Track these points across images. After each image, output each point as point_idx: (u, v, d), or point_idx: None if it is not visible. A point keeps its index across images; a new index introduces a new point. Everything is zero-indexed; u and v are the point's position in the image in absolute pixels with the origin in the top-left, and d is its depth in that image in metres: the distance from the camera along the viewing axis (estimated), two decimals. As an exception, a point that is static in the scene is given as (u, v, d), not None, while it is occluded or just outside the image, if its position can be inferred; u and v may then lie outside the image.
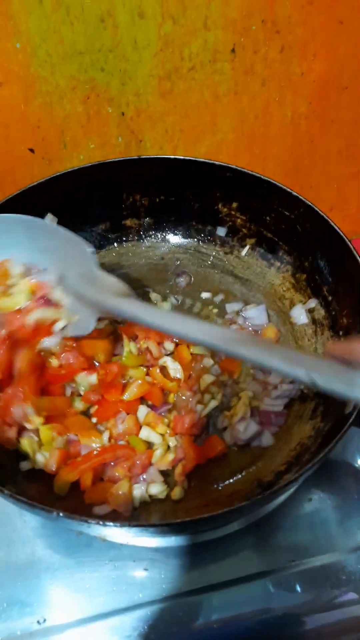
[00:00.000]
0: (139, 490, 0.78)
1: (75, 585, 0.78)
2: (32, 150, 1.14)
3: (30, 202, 0.96)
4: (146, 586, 0.78)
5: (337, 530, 0.82)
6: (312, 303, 0.95)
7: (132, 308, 0.69)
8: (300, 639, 0.77)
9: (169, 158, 1.01)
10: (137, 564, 0.80)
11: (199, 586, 0.78)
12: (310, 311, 0.95)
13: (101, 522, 0.60)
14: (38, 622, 0.76)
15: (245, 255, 1.06)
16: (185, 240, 1.11)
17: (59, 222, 1.05)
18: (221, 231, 1.08)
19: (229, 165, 0.98)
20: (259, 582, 0.78)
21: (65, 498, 0.76)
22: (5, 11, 0.92)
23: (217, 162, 0.99)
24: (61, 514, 0.61)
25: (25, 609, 0.77)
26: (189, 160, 0.99)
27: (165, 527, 0.63)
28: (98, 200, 1.06)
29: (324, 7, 1.00)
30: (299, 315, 0.96)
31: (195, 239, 1.11)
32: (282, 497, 0.83)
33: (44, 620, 0.76)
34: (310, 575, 0.79)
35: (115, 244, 1.11)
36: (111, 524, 0.60)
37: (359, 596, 0.78)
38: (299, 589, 0.78)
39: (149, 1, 0.95)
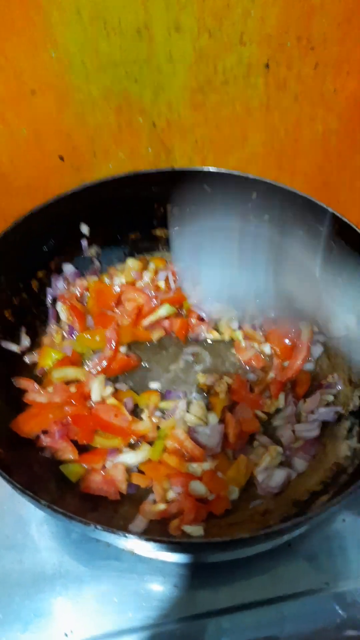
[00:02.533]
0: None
1: (103, 599, 0.79)
2: (61, 158, 1.16)
3: (63, 210, 0.99)
4: (175, 603, 0.79)
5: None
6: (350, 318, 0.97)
7: None
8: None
9: (202, 170, 1.03)
10: (166, 579, 0.80)
11: (229, 605, 0.78)
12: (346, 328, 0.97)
13: (143, 537, 0.61)
14: (65, 634, 0.76)
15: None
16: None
17: (91, 231, 1.08)
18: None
19: (262, 179, 1.00)
20: (291, 603, 0.78)
21: (98, 509, 0.77)
22: (43, 22, 0.95)
23: (250, 175, 1.02)
24: (99, 527, 0.62)
25: (52, 621, 0.78)
26: (223, 172, 1.01)
27: (200, 546, 0.64)
28: (129, 210, 1.08)
29: None
30: (338, 327, 0.97)
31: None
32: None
33: (72, 632, 0.77)
34: (344, 600, 0.79)
35: (145, 253, 1.12)
36: (142, 537, 0.61)
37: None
38: (332, 612, 0.78)
39: (186, 15, 0.98)
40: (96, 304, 1.00)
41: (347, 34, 1.04)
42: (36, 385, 0.89)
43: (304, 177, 1.25)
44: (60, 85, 1.05)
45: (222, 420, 0.88)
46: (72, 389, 0.89)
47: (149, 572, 0.81)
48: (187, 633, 0.76)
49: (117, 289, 1.02)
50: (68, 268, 1.06)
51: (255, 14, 0.99)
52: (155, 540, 0.62)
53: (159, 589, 0.80)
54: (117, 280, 1.04)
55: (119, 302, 1.02)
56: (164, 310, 0.99)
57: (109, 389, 0.90)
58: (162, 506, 0.77)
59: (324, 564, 0.80)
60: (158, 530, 0.75)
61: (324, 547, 0.82)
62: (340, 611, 0.77)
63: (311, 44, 1.05)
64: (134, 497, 0.82)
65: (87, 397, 0.89)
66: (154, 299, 1.01)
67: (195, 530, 0.74)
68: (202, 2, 0.96)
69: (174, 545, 0.62)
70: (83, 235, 1.07)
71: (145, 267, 1.08)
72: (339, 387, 0.91)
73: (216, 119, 1.15)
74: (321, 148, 1.22)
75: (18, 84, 1.03)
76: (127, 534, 0.62)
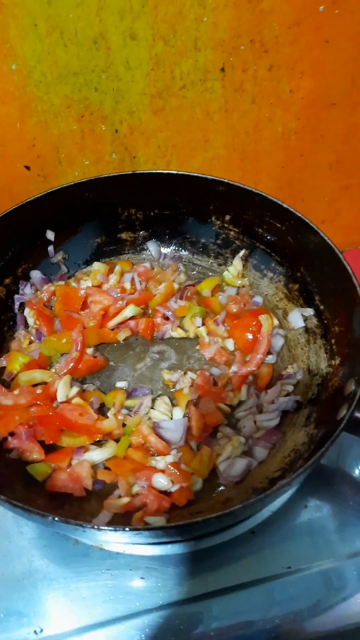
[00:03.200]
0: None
1: (72, 595, 0.81)
2: (27, 168, 1.19)
3: (27, 216, 1.01)
4: (143, 595, 0.80)
5: (334, 537, 0.85)
6: (308, 311, 0.99)
7: None
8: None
9: (163, 173, 1.06)
10: (133, 572, 0.82)
11: (196, 594, 0.80)
12: (304, 320, 1.00)
13: (96, 527, 0.63)
14: (35, 632, 0.78)
15: (239, 266, 1.11)
16: (179, 252, 1.16)
17: (56, 236, 1.10)
18: (214, 243, 1.13)
19: (222, 180, 1.03)
20: (255, 589, 0.80)
21: (64, 507, 0.79)
22: (1, 35, 0.98)
23: (210, 177, 1.05)
24: (56, 519, 0.64)
25: (23, 619, 0.79)
26: (183, 174, 1.04)
27: (160, 531, 0.66)
28: (94, 214, 1.11)
29: (310, 28, 1.07)
30: (296, 319, 1.00)
31: (189, 251, 1.16)
32: (278, 504, 0.86)
33: (41, 631, 0.78)
34: (307, 582, 0.81)
35: (111, 257, 1.15)
36: (106, 528, 0.63)
37: (357, 604, 0.80)
38: (295, 595, 0.80)
39: (140, 24, 1.02)
40: (63, 308, 1.02)
41: (298, 36, 1.08)
42: (3, 389, 0.91)
43: (267, 177, 1.29)
44: (22, 96, 1.08)
45: (186, 415, 0.90)
46: (39, 390, 0.91)
47: (117, 566, 0.83)
48: (155, 624, 0.78)
49: (83, 292, 1.04)
50: (35, 274, 1.08)
51: (207, 20, 1.03)
52: (113, 529, 0.64)
53: (127, 582, 0.81)
54: (84, 284, 1.07)
55: (85, 305, 1.04)
56: (130, 311, 1.02)
57: (75, 389, 0.92)
58: (125, 499, 0.79)
59: (286, 549, 0.82)
60: (121, 523, 0.77)
61: (287, 534, 0.84)
62: (303, 594, 0.79)
63: (264, 47, 1.09)
64: (100, 493, 0.84)
65: (54, 398, 0.91)
66: (120, 301, 1.04)
67: (157, 521, 0.75)
68: (155, 10, 1.00)
69: (130, 532, 0.63)
70: (49, 241, 1.09)
71: (111, 270, 1.10)
72: (299, 377, 0.93)
73: (177, 123, 1.18)
74: (282, 148, 1.25)
75: (-21, 96, 1.06)
76: (83, 524, 0.64)
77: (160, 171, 1.08)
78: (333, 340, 0.92)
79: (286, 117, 1.21)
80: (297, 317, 0.99)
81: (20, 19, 0.97)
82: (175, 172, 1.07)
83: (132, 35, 1.03)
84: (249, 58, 1.10)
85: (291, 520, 0.85)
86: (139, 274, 1.09)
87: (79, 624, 0.78)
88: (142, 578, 0.81)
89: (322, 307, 0.97)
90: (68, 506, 0.80)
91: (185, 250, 1.16)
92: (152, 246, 1.15)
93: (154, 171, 1.09)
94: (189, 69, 1.10)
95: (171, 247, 1.17)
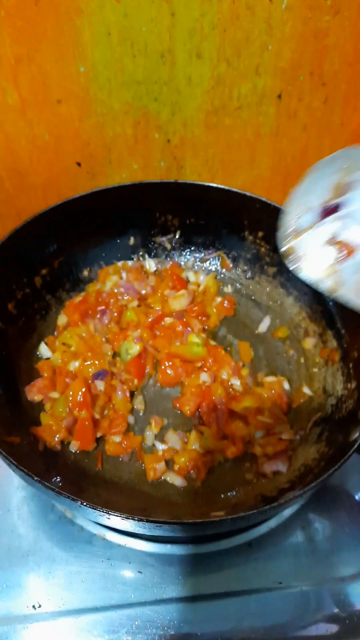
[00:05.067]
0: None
1: (71, 578, 0.86)
2: (79, 164, 1.25)
3: (68, 212, 1.07)
4: (138, 588, 0.85)
5: (327, 560, 0.89)
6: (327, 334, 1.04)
7: None
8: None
9: (202, 185, 1.12)
10: (132, 565, 0.87)
11: (188, 595, 0.84)
12: (324, 342, 1.04)
13: (122, 515, 0.68)
14: (33, 606, 0.83)
15: (266, 282, 1.15)
16: (210, 261, 1.21)
17: (92, 232, 1.15)
18: (245, 257, 1.18)
19: (259, 197, 1.08)
20: (245, 599, 0.85)
21: (81, 492, 0.84)
22: (75, 39, 1.04)
23: (247, 193, 1.09)
24: (85, 504, 0.69)
25: (23, 593, 0.84)
26: (221, 188, 1.09)
27: (175, 526, 0.70)
28: (133, 217, 1.16)
29: (369, 67, 1.11)
30: (312, 343, 1.05)
31: (219, 262, 1.21)
32: (276, 521, 0.90)
33: (39, 606, 0.83)
34: (295, 600, 0.85)
35: (143, 258, 1.20)
36: (130, 516, 0.68)
37: (338, 627, 0.84)
38: (282, 611, 0.84)
39: (207, 44, 1.07)
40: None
41: (357, 73, 1.12)
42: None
43: (307, 203, 1.33)
44: (84, 97, 1.14)
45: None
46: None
47: (117, 557, 0.88)
48: (146, 616, 0.82)
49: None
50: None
51: (272, 49, 1.08)
52: (134, 519, 0.68)
53: (125, 573, 0.86)
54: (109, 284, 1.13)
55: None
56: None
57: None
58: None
59: (279, 565, 0.87)
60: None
61: (281, 550, 0.88)
62: (290, 610, 0.83)
63: (322, 80, 1.13)
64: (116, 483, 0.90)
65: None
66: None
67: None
68: (223, 33, 1.05)
69: (150, 522, 0.68)
70: (89, 238, 1.15)
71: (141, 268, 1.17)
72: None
73: (227, 140, 1.23)
74: (325, 177, 1.29)
75: (45, 92, 1.12)
76: (110, 512, 0.69)
77: (200, 182, 1.13)
78: (351, 364, 0.97)
79: (334, 147, 1.24)
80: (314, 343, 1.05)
81: (95, 26, 1.03)
82: (214, 185, 1.12)
83: (198, 54, 1.08)
84: (306, 88, 1.15)
85: (287, 538, 0.90)
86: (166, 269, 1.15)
87: (74, 606, 0.84)
88: (139, 572, 0.86)
89: (343, 330, 1.02)
90: (85, 493, 0.86)
91: (215, 260, 1.21)
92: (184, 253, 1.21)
93: (195, 182, 1.14)
94: (247, 91, 1.15)
95: (201, 255, 1.21)
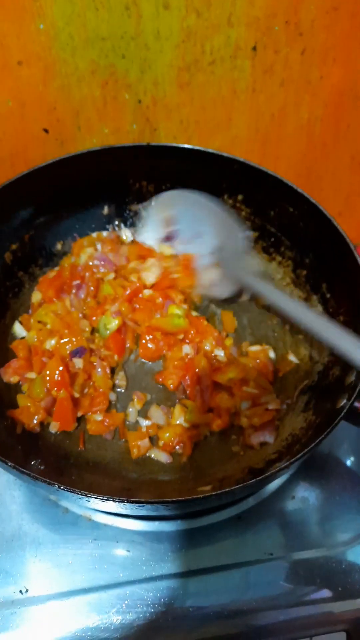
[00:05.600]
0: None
1: (58, 560, 0.84)
2: (46, 131, 1.18)
3: (40, 181, 1.02)
4: (127, 567, 0.84)
5: (318, 530, 0.88)
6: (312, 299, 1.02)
7: (264, 289, 0.86)
8: (272, 630, 0.83)
9: (178, 147, 1.06)
10: (120, 544, 0.86)
11: (178, 571, 0.83)
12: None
13: (102, 497, 0.65)
14: (20, 591, 0.82)
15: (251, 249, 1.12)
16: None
17: (63, 203, 1.10)
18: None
19: (237, 158, 1.03)
20: (236, 572, 0.84)
21: (63, 474, 0.82)
22: (31, -8, 0.97)
23: (225, 154, 1.04)
24: (62, 487, 0.67)
25: (9, 578, 0.83)
26: (198, 150, 1.04)
27: (160, 505, 0.68)
28: (105, 184, 1.11)
29: (348, 14, 1.05)
30: None
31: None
32: (266, 492, 0.89)
33: (26, 591, 0.82)
34: (286, 570, 0.85)
35: (118, 228, 1.15)
36: (110, 498, 0.66)
37: (332, 593, 0.84)
38: (274, 582, 0.83)
39: (174, -7, 1.00)
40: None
41: (334, 22, 1.06)
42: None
43: (287, 163, 1.28)
44: (47, 57, 1.07)
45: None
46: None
47: (104, 537, 0.86)
48: (136, 595, 0.81)
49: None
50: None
51: (244, -4, 1.01)
52: (114, 500, 0.66)
53: (113, 553, 0.85)
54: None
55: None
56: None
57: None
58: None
59: (269, 536, 0.86)
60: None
61: (271, 521, 0.87)
62: (282, 581, 0.82)
63: (299, 30, 1.07)
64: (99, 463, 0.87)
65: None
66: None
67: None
68: (190, -20, 0.98)
69: (132, 503, 0.66)
70: (59, 208, 1.09)
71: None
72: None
73: (202, 99, 1.17)
74: (306, 135, 1.24)
75: (4, 54, 1.05)
76: (89, 494, 0.66)
77: (176, 145, 1.08)
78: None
79: (314, 104, 1.19)
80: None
81: (52, -23, 0.95)
82: (191, 146, 1.07)
83: (165, 4, 1.01)
84: (282, 39, 1.08)
85: (277, 509, 0.89)
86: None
87: (63, 588, 0.82)
88: (127, 551, 0.85)
89: (328, 295, 0.99)
90: (67, 476, 0.83)
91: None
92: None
93: (170, 144, 1.09)
94: (220, 44, 1.08)
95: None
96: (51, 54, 1.06)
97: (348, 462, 0.95)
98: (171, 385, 0.96)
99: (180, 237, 0.97)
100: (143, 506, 0.66)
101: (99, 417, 0.92)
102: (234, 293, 0.98)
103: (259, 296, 0.86)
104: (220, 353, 0.98)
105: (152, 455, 0.89)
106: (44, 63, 1.07)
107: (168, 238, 0.95)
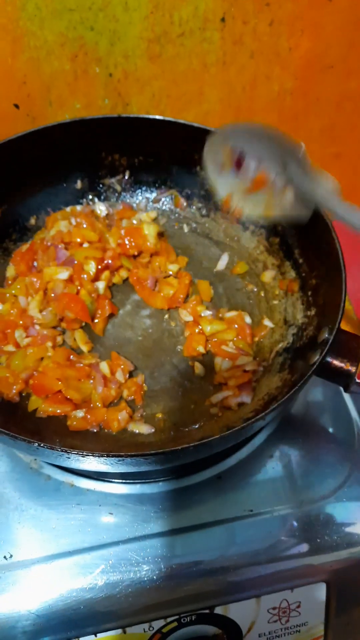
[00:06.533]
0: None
1: (42, 526, 0.85)
2: (16, 106, 1.18)
3: (7, 156, 1.01)
4: (110, 529, 0.85)
5: (295, 485, 0.91)
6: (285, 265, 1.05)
7: (339, 206, 0.77)
8: (255, 584, 0.86)
9: (150, 118, 1.07)
10: (102, 508, 0.87)
11: (161, 531, 0.85)
12: (282, 273, 1.04)
13: (81, 453, 0.67)
14: (5, 557, 0.82)
15: (221, 219, 1.13)
16: (163, 200, 1.18)
17: (34, 177, 1.09)
18: (198, 194, 1.15)
19: (209, 128, 1.04)
20: (217, 529, 0.86)
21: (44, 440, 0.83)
22: None
23: (196, 124, 1.05)
24: (42, 445, 0.68)
25: (-8, 545, 0.83)
26: (170, 121, 1.05)
27: (140, 458, 0.70)
28: (77, 158, 1.11)
29: (314, -16, 1.07)
30: (271, 276, 1.07)
31: (172, 201, 1.18)
32: (245, 452, 0.91)
33: (11, 556, 0.83)
34: (266, 525, 0.87)
35: (92, 202, 1.16)
36: (90, 454, 0.67)
37: (311, 546, 0.87)
38: (255, 537, 0.86)
39: None
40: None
41: (301, -8, 1.08)
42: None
43: (259, 136, 1.30)
44: (14, 29, 1.07)
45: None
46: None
47: (87, 502, 0.87)
48: (119, 555, 0.83)
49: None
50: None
51: (211, -34, 1.03)
52: (94, 455, 0.67)
53: (95, 517, 0.86)
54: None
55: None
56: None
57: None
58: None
59: (249, 494, 0.88)
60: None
61: (250, 480, 0.89)
62: (262, 536, 0.85)
63: (266, 0, 1.09)
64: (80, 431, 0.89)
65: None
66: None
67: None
68: None
69: (112, 457, 0.67)
70: (29, 183, 1.09)
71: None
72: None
73: (173, 72, 1.18)
74: (277, 108, 1.26)
75: (-30, 25, 1.04)
76: (69, 451, 0.67)
77: (148, 116, 1.08)
78: (310, 292, 0.97)
79: (283, 76, 1.22)
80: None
81: None
82: (162, 117, 1.07)
83: (133, -26, 1.02)
84: (250, 10, 1.10)
85: (256, 468, 0.91)
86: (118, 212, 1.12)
87: (47, 552, 0.83)
88: (110, 514, 0.86)
89: (300, 260, 1.02)
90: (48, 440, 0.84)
91: (168, 199, 1.18)
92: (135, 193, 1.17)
93: (142, 115, 1.09)
94: (188, 15, 1.09)
95: (153, 195, 1.18)
96: (19, 25, 1.06)
97: (324, 421, 0.98)
98: None
99: (247, 161, 0.88)
100: (123, 460, 0.68)
101: (80, 414, 0.91)
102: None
103: (333, 214, 0.79)
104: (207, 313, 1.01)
105: (134, 429, 0.90)
106: (12, 35, 1.07)
107: (238, 163, 0.88)
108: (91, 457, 0.67)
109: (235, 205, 0.88)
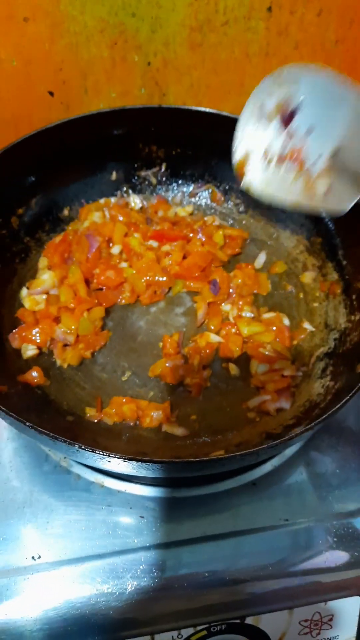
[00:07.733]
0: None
1: (71, 527, 0.84)
2: (51, 94, 1.16)
3: (42, 144, 0.99)
4: (141, 532, 0.84)
5: (331, 496, 0.88)
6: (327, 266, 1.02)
7: None
8: (289, 595, 0.83)
9: (190, 109, 1.05)
10: (133, 511, 0.85)
11: (194, 537, 0.83)
12: (324, 275, 1.01)
13: (124, 457, 0.65)
14: (33, 557, 0.81)
15: (260, 215, 1.10)
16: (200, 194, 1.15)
17: (69, 167, 1.07)
18: (237, 189, 1.12)
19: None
20: (252, 537, 0.84)
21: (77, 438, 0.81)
22: None
23: (238, 117, 1.02)
24: (83, 447, 0.66)
25: (21, 545, 0.82)
26: (210, 113, 1.03)
27: (177, 465, 0.68)
28: (113, 148, 1.09)
29: (367, -27, 1.03)
30: (311, 277, 1.04)
31: (210, 195, 1.15)
32: (280, 459, 0.89)
33: (39, 557, 0.81)
34: (302, 536, 0.85)
35: (127, 194, 1.14)
36: (133, 458, 0.65)
37: (347, 559, 0.85)
38: (290, 548, 0.84)
39: None
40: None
41: (353, -19, 1.04)
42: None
43: (299, 131, 1.27)
44: (54, 13, 1.05)
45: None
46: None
47: (117, 504, 0.86)
48: (151, 560, 0.81)
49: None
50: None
51: None
52: (136, 460, 0.66)
53: (125, 519, 0.85)
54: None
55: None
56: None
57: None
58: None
59: (284, 502, 0.86)
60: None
61: (285, 488, 0.87)
62: (297, 546, 0.83)
63: (316, -11, 1.05)
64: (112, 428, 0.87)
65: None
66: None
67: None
68: None
69: (150, 463, 0.65)
70: (66, 172, 1.07)
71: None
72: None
73: (213, 62, 1.15)
74: (319, 101, 1.22)
75: (9, 9, 1.02)
76: (110, 454, 0.66)
77: (187, 107, 1.06)
78: (354, 296, 0.94)
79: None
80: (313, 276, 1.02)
81: None
82: (203, 108, 1.05)
83: None
84: (298, -1, 1.07)
85: (292, 475, 0.89)
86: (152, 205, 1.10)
87: (76, 554, 0.82)
88: (141, 517, 0.85)
89: (344, 262, 0.99)
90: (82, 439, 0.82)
91: (205, 193, 1.15)
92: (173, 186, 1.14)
93: (181, 106, 1.07)
94: (234, 3, 1.06)
95: (190, 189, 1.15)
96: (59, 9, 1.04)
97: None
98: None
99: (297, 122, 0.74)
100: (161, 467, 0.66)
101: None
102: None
103: None
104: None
105: (167, 430, 0.88)
106: (52, 20, 1.05)
107: (287, 119, 0.74)
108: (134, 462, 0.65)
109: (250, 175, 0.75)
